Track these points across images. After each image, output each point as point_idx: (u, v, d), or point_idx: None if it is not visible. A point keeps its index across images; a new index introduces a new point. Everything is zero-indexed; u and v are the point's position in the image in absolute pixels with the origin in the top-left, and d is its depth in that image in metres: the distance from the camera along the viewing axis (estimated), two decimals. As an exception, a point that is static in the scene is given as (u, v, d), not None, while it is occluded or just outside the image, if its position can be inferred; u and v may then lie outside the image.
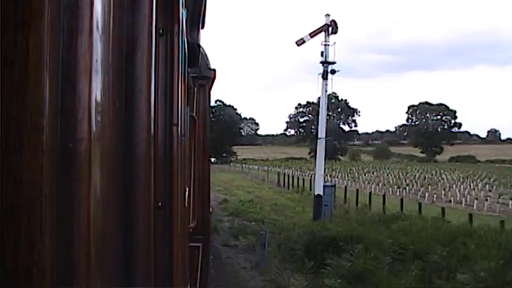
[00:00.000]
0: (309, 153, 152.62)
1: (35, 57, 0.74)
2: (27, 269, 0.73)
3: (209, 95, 6.65)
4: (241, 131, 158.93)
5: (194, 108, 5.53)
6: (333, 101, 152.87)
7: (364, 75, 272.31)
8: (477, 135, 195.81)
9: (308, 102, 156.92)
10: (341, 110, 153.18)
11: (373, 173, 75.41)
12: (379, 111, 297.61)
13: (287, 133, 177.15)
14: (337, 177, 62.91)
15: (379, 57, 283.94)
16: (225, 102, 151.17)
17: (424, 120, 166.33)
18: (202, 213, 6.06)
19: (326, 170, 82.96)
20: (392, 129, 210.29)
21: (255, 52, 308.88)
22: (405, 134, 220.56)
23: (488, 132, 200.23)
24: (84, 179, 0.82)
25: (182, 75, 1.69)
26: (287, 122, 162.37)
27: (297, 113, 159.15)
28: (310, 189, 41.30)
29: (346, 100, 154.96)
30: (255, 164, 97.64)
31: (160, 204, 1.36)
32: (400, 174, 73.48)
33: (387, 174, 72.10)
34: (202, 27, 3.89)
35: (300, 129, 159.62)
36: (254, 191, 44.54)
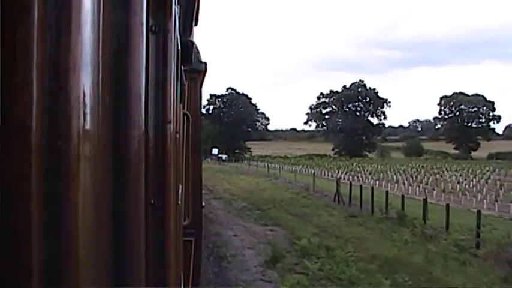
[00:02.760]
0: (333, 150, 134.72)
1: (23, 55, 0.73)
2: (14, 269, 0.72)
3: (201, 89, 6.06)
4: (257, 124, 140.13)
5: (186, 104, 5.19)
6: (359, 89, 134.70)
7: (372, 71, 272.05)
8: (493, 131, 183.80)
9: (331, 91, 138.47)
10: (369, 99, 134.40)
11: (435, 175, 56.83)
12: (392, 107, 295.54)
13: (297, 128, 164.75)
14: (404, 184, 44.14)
15: (387, 52, 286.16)
16: (237, 90, 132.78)
17: (458, 113, 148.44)
18: (195, 208, 5.58)
19: (360, 168, 64.54)
20: (406, 125, 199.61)
21: (259, 48, 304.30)
22: (419, 129, 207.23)
23: (506, 127, 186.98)
24: (73, 178, 0.81)
25: (175, 73, 1.63)
26: (307, 114, 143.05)
27: (319, 103, 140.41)
28: (425, 221, 22.78)
29: (375, 89, 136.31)
30: (275, 162, 79.79)
31: (153, 201, 1.36)
32: (468, 177, 55.02)
33: (456, 178, 53.58)
34: (196, 25, 3.85)
35: (323, 122, 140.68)
36: (309, 215, 26.36)
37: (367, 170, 64.95)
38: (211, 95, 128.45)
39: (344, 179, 51.22)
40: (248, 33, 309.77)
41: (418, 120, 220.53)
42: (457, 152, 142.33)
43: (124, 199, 1.12)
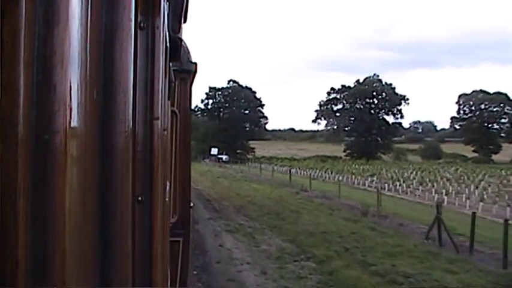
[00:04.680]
0: (344, 151, 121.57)
1: (10, 48, 0.72)
2: (0, 260, 0.72)
3: (190, 89, 6.03)
4: (261, 121, 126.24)
5: (175, 102, 5.26)
6: (375, 84, 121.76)
7: (368, 71, 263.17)
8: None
9: (343, 86, 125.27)
10: (385, 95, 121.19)
11: (504, 186, 43.79)
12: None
13: (295, 128, 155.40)
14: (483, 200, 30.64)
15: (383, 53, 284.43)
16: (240, 83, 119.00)
17: (477, 112, 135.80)
18: (183, 207, 5.47)
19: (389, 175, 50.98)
20: (406, 126, 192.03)
21: (258, 47, 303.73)
22: (420, 131, 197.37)
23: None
24: (60, 172, 0.80)
25: (164, 70, 1.65)
26: (317, 111, 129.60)
27: (329, 99, 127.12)
28: None
29: (391, 84, 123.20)
30: (285, 165, 66.86)
31: (140, 198, 1.36)
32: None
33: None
34: (185, 22, 3.77)
35: (334, 120, 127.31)
36: (421, 283, 13.29)
37: (407, 178, 51.96)
38: (210, 88, 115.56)
39: (383, 188, 38.32)
40: (246, 31, 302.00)
41: (419, 122, 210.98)
42: (476, 155, 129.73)
43: (111, 194, 1.12)
